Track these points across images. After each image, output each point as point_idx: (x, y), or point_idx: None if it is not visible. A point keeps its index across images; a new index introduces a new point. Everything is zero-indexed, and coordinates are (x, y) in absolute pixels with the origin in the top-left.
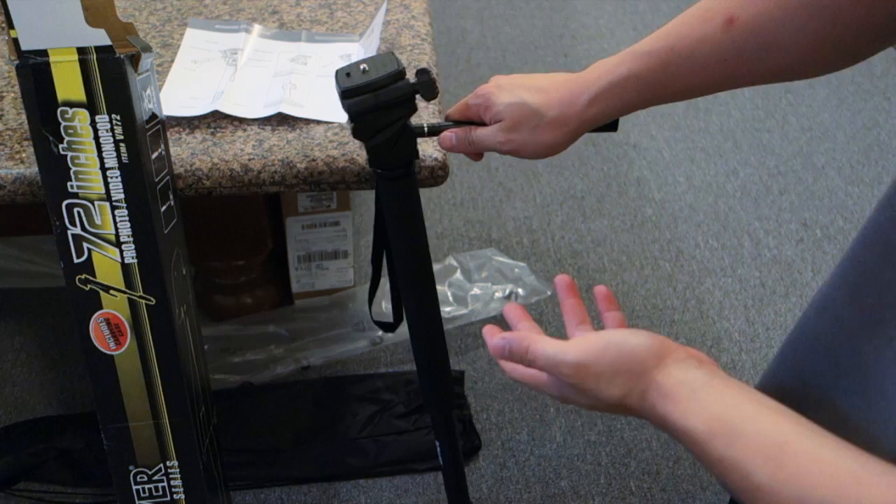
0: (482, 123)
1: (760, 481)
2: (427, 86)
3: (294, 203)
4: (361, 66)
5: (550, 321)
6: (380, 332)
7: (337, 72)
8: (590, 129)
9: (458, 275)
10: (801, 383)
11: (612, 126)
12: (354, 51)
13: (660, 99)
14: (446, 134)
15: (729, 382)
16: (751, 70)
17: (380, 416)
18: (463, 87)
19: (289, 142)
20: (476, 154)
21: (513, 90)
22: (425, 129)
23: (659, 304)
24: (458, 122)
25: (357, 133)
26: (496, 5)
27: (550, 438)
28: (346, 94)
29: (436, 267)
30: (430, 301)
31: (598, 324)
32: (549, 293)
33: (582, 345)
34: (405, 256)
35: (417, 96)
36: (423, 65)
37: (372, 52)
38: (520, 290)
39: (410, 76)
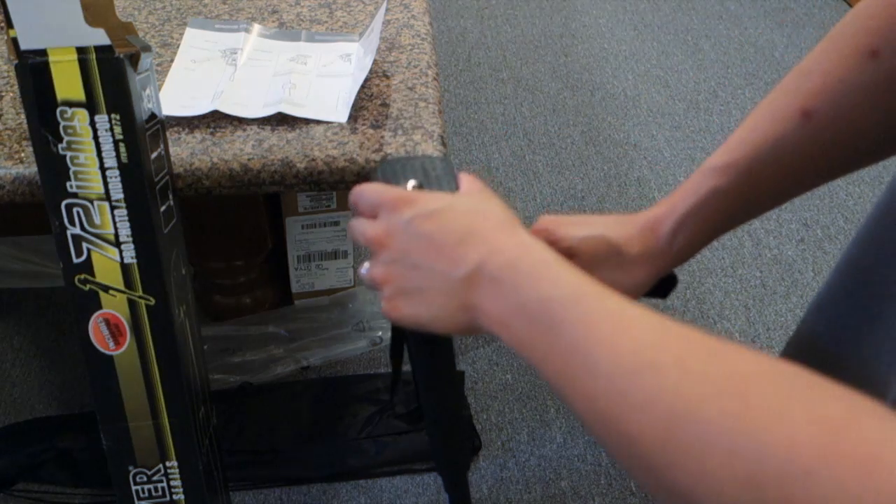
0: None
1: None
2: None
3: (294, 203)
4: None
5: None
6: (380, 332)
7: None
8: (674, 265)
9: None
10: None
11: (662, 292)
12: (354, 50)
13: (746, 213)
14: None
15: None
16: (838, 159)
17: (380, 416)
18: (463, 87)
19: (288, 141)
20: None
21: (583, 224)
22: None
23: (659, 304)
24: None
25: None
26: (496, 5)
27: (550, 439)
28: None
29: None
30: (451, 396)
31: None
32: None
33: None
34: (427, 359)
35: None
36: (423, 64)
37: (372, 52)
38: None
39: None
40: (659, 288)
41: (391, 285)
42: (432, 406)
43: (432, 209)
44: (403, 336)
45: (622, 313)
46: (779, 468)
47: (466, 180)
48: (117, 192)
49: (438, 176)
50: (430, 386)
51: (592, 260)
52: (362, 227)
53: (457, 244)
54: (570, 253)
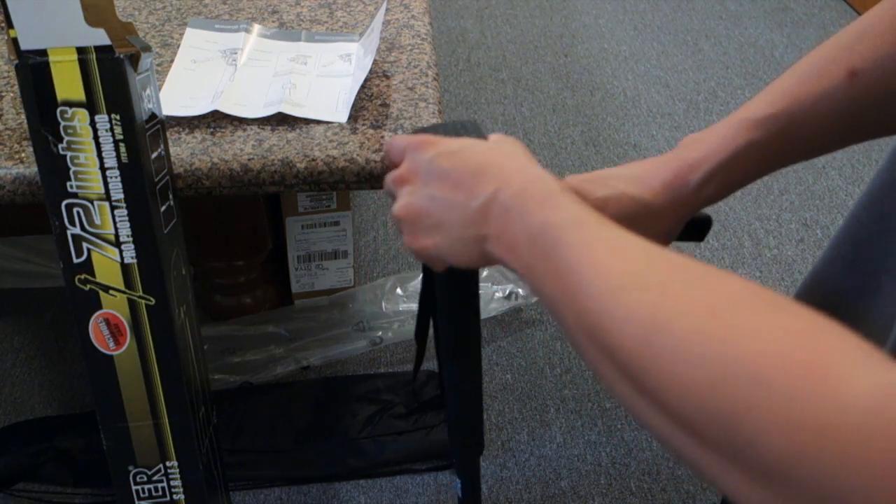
0: None
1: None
2: None
3: (294, 203)
4: None
5: (551, 321)
6: (380, 332)
7: None
8: (700, 209)
9: None
10: None
11: (698, 235)
12: (354, 50)
13: (779, 164)
14: None
15: None
16: (876, 122)
17: (380, 416)
18: (463, 87)
19: (288, 142)
20: None
21: (604, 181)
22: None
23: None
24: None
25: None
26: (496, 5)
27: (550, 438)
28: None
29: None
30: (475, 371)
31: None
32: None
33: None
34: (454, 331)
35: None
36: (423, 64)
37: (372, 52)
38: (520, 290)
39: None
40: (693, 231)
41: (412, 218)
42: (455, 368)
43: (454, 149)
44: (432, 287)
45: (617, 239)
46: (736, 373)
47: (494, 136)
48: (117, 192)
49: (469, 135)
50: (454, 341)
51: (617, 218)
52: (392, 174)
53: (473, 177)
54: None
